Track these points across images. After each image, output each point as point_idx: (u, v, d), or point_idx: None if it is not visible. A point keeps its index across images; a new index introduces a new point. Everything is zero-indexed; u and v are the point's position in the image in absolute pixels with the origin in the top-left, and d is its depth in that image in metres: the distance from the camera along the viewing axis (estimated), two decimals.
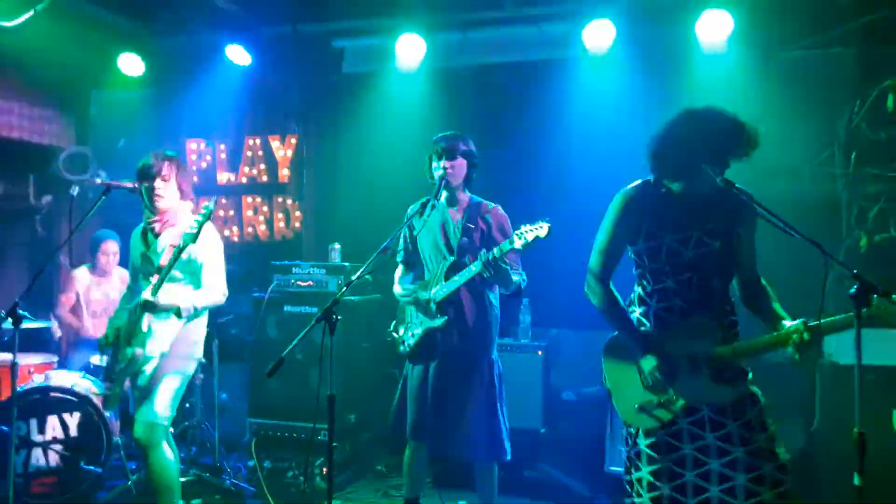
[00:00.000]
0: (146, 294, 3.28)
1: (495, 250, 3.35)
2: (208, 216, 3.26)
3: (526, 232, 3.27)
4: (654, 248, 2.61)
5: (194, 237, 3.22)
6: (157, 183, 3.46)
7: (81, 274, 5.27)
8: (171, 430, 3.63)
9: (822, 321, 2.36)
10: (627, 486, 2.70)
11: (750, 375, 2.63)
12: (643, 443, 2.63)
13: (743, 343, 2.58)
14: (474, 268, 3.42)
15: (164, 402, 3.42)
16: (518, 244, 3.27)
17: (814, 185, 4.79)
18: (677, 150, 2.55)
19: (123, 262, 5.31)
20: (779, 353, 3.97)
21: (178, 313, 3.41)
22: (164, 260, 3.37)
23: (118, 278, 5.31)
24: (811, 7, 4.73)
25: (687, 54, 4.94)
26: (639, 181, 2.73)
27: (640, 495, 2.62)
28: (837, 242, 4.68)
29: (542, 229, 3.25)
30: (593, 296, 2.76)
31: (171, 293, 3.39)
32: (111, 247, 5.24)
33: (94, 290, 5.26)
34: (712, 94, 4.84)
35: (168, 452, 3.48)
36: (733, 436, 2.52)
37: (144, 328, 3.36)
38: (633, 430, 2.69)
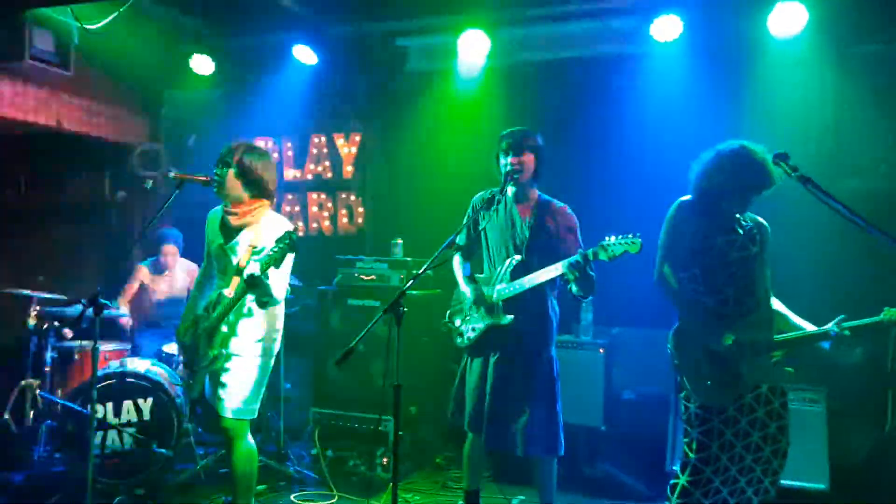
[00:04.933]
0: (254, 268, 3.18)
1: (588, 253, 3.23)
2: (288, 247, 3.14)
3: (613, 244, 3.17)
4: (708, 246, 3.01)
5: (277, 262, 3.14)
6: (216, 169, 3.44)
7: (144, 270, 5.52)
8: None
9: (857, 322, 2.89)
10: (685, 446, 3.07)
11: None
12: (693, 407, 3.02)
13: (793, 334, 3.03)
14: (560, 268, 3.30)
15: (249, 397, 3.46)
16: (604, 256, 3.18)
17: (888, 183, 4.63)
18: (706, 191, 3.04)
19: (186, 254, 5.55)
20: (848, 354, 4.07)
21: (262, 303, 3.38)
22: (242, 261, 3.36)
23: (182, 270, 5.53)
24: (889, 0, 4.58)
25: (758, 49, 4.82)
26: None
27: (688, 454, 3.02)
28: None
29: (633, 245, 3.14)
30: (665, 285, 3.10)
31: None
32: (171, 249, 5.45)
33: (159, 282, 5.49)
34: (784, 90, 4.74)
35: (252, 444, 3.53)
36: (773, 413, 3.00)
37: (225, 329, 3.39)
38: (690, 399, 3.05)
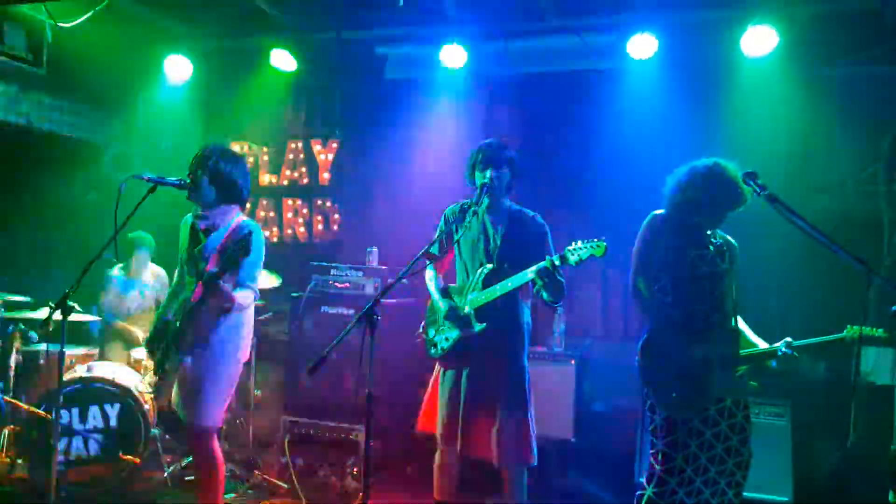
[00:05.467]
0: (211, 273, 3.18)
1: (555, 259, 3.22)
2: (242, 251, 3.14)
3: (580, 249, 3.18)
4: (679, 259, 3.06)
5: (232, 266, 3.17)
6: (189, 173, 3.40)
7: (115, 273, 5.50)
8: None
9: (811, 340, 2.96)
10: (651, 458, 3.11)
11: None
12: (659, 418, 3.06)
13: (754, 350, 3.10)
14: (530, 274, 3.30)
15: (215, 404, 3.42)
16: (571, 260, 3.18)
17: (857, 202, 4.75)
18: (679, 206, 3.11)
19: (156, 259, 5.55)
20: (812, 370, 4.14)
21: (224, 309, 3.34)
22: (210, 265, 3.31)
23: (151, 275, 5.52)
24: (857, 24, 4.71)
25: (731, 69, 4.94)
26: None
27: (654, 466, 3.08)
28: (878, 260, 4.63)
29: (598, 248, 3.14)
30: (638, 297, 3.14)
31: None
32: (144, 254, 5.47)
33: (128, 287, 5.48)
34: (756, 109, 4.85)
35: (218, 452, 3.49)
36: (736, 426, 3.05)
37: (191, 335, 3.35)
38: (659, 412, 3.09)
